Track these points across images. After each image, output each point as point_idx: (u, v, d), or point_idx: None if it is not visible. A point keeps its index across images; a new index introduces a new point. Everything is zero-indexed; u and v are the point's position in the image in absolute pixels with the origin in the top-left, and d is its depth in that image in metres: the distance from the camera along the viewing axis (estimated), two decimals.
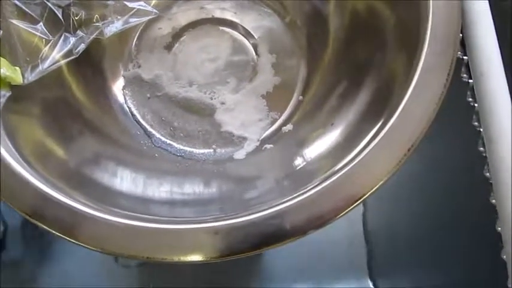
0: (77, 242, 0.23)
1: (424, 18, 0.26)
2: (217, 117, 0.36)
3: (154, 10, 0.30)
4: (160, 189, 0.30)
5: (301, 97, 0.36)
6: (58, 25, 0.30)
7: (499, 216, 0.23)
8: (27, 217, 0.24)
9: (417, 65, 0.25)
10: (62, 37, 0.30)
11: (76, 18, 0.30)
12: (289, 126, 0.34)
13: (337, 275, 0.46)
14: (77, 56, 0.30)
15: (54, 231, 0.23)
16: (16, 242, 0.42)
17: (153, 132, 0.36)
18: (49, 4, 0.29)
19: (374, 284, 0.46)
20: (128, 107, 0.36)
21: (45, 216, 0.24)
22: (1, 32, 0.28)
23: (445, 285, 0.38)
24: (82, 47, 0.30)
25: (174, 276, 0.45)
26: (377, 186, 0.23)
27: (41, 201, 0.24)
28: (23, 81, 0.29)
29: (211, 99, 0.36)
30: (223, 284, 0.46)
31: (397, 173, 0.24)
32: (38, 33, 0.29)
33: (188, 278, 0.45)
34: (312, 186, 0.24)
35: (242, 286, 0.46)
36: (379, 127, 0.25)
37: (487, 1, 0.28)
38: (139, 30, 0.38)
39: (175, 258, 0.22)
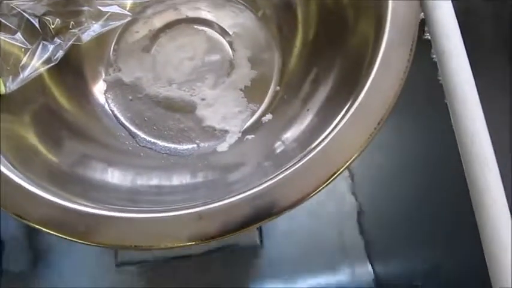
0: (63, 236, 0.24)
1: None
2: (199, 113, 0.37)
3: (129, 13, 0.31)
4: (149, 183, 0.31)
5: (278, 87, 0.37)
6: (36, 34, 0.31)
7: (471, 195, 0.24)
8: (18, 219, 0.25)
9: (381, 43, 0.26)
10: (41, 45, 0.31)
11: (53, 26, 0.31)
12: (268, 116, 0.35)
13: (334, 264, 0.47)
14: (56, 62, 0.31)
15: (49, 231, 0.24)
16: (13, 247, 0.42)
17: (137, 132, 0.37)
18: (25, 15, 0.30)
19: (373, 269, 0.47)
20: (110, 110, 0.37)
21: (38, 217, 0.25)
22: None
23: (439, 265, 0.39)
24: (60, 53, 0.31)
25: (171, 277, 0.46)
26: (350, 160, 0.25)
27: (36, 204, 0.25)
28: (5, 90, 0.29)
29: (192, 96, 0.37)
30: (221, 282, 0.47)
31: (368, 146, 0.25)
32: (17, 43, 0.30)
33: (186, 279, 0.46)
34: (291, 164, 0.25)
35: (242, 283, 0.47)
36: (349, 105, 0.26)
37: None
38: (117, 34, 0.39)
39: (162, 245, 0.23)
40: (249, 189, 0.24)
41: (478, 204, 0.23)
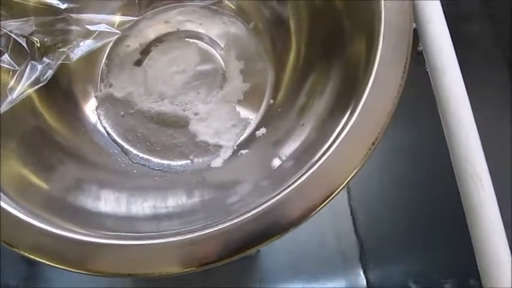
0: (54, 265, 0.23)
1: (378, 14, 0.27)
2: (192, 128, 0.36)
3: (117, 31, 0.31)
4: (144, 206, 0.30)
5: (271, 101, 0.37)
6: (24, 54, 0.31)
7: (465, 211, 0.24)
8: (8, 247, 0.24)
9: (374, 59, 0.26)
10: (29, 66, 0.31)
11: (41, 45, 0.31)
12: (262, 130, 0.35)
13: (330, 270, 0.47)
14: (46, 83, 0.31)
15: (39, 259, 0.24)
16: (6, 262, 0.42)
17: (130, 149, 0.36)
18: (12, 35, 0.29)
19: (366, 276, 0.47)
20: (102, 126, 0.37)
21: (28, 245, 0.24)
22: None
23: (433, 271, 0.39)
24: (50, 73, 0.31)
25: (169, 278, 0.46)
26: (345, 181, 0.24)
27: (26, 232, 0.25)
28: None
29: (184, 110, 0.37)
30: (217, 286, 0.47)
31: (364, 166, 0.25)
32: (5, 65, 0.29)
33: (183, 281, 0.46)
34: (287, 185, 0.24)
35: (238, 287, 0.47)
36: (345, 122, 0.26)
37: None
38: (108, 49, 0.39)
39: (157, 272, 0.23)
40: (246, 213, 0.24)
41: (473, 223, 0.23)
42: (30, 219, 0.25)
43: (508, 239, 0.23)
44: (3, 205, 0.25)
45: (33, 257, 0.24)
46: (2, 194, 0.26)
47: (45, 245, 0.24)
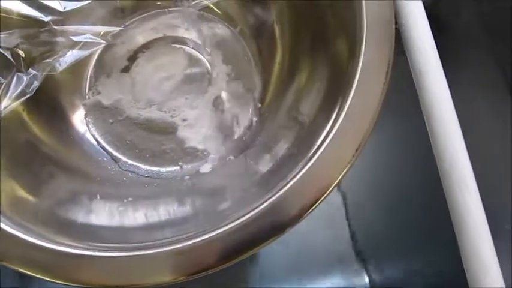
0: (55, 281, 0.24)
1: (359, 19, 0.27)
2: (180, 134, 0.36)
3: (102, 40, 0.31)
4: (135, 215, 0.30)
5: (259, 105, 0.37)
6: (9, 66, 0.31)
7: (451, 215, 0.24)
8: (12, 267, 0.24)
9: (357, 65, 0.26)
10: (15, 77, 0.31)
11: (26, 57, 0.31)
12: (249, 135, 0.35)
13: (328, 270, 0.48)
14: (32, 94, 0.31)
15: (35, 275, 0.24)
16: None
17: (119, 156, 0.36)
18: None
19: (366, 275, 0.47)
20: (91, 134, 0.37)
21: (23, 261, 0.24)
22: None
23: (434, 271, 0.40)
24: (36, 84, 0.31)
25: None
26: (335, 182, 0.25)
27: (19, 248, 0.25)
28: None
29: (172, 117, 0.37)
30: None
31: (349, 171, 0.25)
32: None
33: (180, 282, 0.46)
34: (277, 190, 0.25)
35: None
36: (331, 124, 0.26)
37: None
38: (95, 57, 0.39)
39: (148, 283, 0.23)
40: (238, 218, 0.24)
41: (459, 228, 0.23)
42: (18, 233, 0.25)
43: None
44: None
45: (21, 270, 0.24)
46: None
47: (33, 258, 0.24)
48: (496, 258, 0.23)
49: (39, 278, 0.24)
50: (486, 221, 0.23)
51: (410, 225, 0.42)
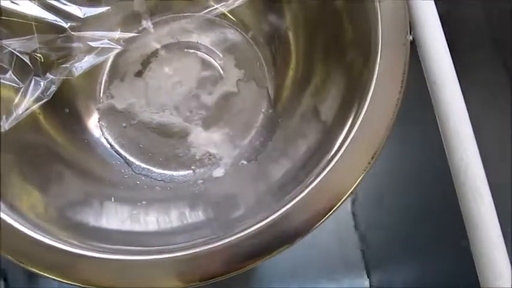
0: (65, 281, 0.24)
1: (374, 28, 0.27)
2: (193, 138, 0.37)
3: (119, 46, 0.31)
4: (147, 219, 0.31)
5: (270, 110, 0.37)
6: (27, 71, 0.31)
7: (465, 225, 0.24)
8: (19, 263, 0.25)
9: (372, 73, 0.27)
10: (33, 82, 0.31)
11: (44, 61, 0.31)
12: (261, 140, 0.36)
13: (332, 274, 0.48)
14: (49, 98, 0.31)
15: (45, 274, 0.25)
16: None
17: (132, 160, 0.37)
18: (16, 52, 0.30)
19: (369, 280, 0.48)
20: (105, 138, 0.37)
21: (36, 260, 0.25)
22: None
23: (437, 276, 0.40)
24: (53, 89, 0.31)
25: None
26: (348, 193, 0.25)
27: (31, 246, 0.25)
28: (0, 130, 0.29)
29: (185, 121, 0.37)
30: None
31: (365, 178, 0.25)
32: (9, 82, 0.30)
33: None
34: (290, 199, 0.25)
35: None
36: (346, 134, 0.26)
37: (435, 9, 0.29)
38: (109, 61, 0.39)
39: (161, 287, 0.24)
40: (250, 226, 0.24)
41: (473, 238, 0.23)
42: (31, 232, 0.25)
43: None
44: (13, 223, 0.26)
45: (33, 270, 0.25)
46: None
47: (44, 258, 0.25)
48: (509, 268, 0.23)
49: (47, 279, 0.24)
50: (501, 232, 0.24)
51: (418, 231, 0.42)
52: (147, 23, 0.34)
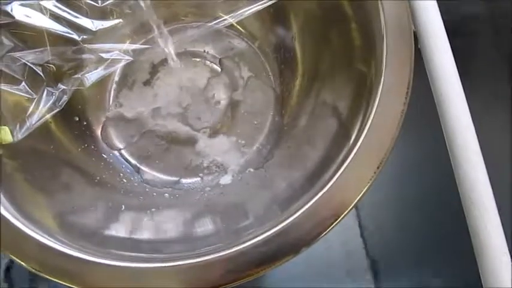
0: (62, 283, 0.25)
1: (379, 42, 0.28)
2: (201, 146, 0.37)
3: (129, 57, 0.32)
4: (157, 227, 0.31)
5: (277, 118, 0.38)
6: (39, 81, 0.32)
7: (472, 240, 0.25)
8: (30, 268, 0.25)
9: (378, 85, 0.27)
10: (45, 92, 0.32)
11: (56, 72, 0.32)
12: (268, 148, 0.36)
13: (338, 283, 0.48)
14: (61, 108, 0.32)
15: (56, 280, 0.25)
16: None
17: (141, 167, 0.37)
18: (29, 64, 0.30)
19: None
20: (115, 146, 0.38)
21: (47, 267, 0.25)
22: None
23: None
24: (65, 99, 0.32)
25: None
26: (354, 203, 0.25)
27: (41, 252, 0.26)
28: (13, 139, 0.30)
29: (193, 129, 0.38)
30: None
31: (370, 188, 0.26)
32: (22, 93, 0.30)
33: None
34: (296, 208, 0.26)
35: None
36: (352, 144, 0.27)
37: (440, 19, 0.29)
38: (118, 71, 0.40)
39: None
40: (257, 236, 0.25)
41: (480, 254, 0.24)
42: (38, 236, 0.26)
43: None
44: (24, 228, 0.26)
45: (40, 273, 0.25)
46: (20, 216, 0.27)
47: (52, 263, 0.25)
48: None
49: (49, 280, 0.25)
50: (506, 245, 0.24)
51: (424, 239, 0.42)
52: (156, 34, 0.35)
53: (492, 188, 0.26)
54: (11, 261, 0.43)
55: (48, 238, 0.26)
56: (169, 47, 0.36)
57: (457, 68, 0.28)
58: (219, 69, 0.40)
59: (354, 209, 0.47)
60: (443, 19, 0.29)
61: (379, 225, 0.48)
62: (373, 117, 0.26)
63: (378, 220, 0.48)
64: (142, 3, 0.32)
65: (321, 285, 0.47)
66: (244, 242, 0.25)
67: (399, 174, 0.45)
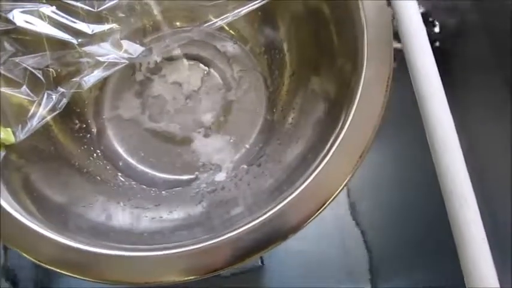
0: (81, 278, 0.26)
1: (361, 38, 0.30)
2: (196, 145, 0.39)
3: (125, 60, 0.34)
4: (151, 220, 0.33)
5: (268, 117, 0.39)
6: (40, 85, 0.33)
7: (452, 230, 0.26)
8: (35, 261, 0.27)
9: (359, 79, 0.29)
10: (45, 95, 0.33)
11: (55, 76, 0.33)
12: (260, 145, 0.38)
13: (337, 283, 0.49)
14: (61, 110, 0.34)
15: (66, 273, 0.27)
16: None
17: (139, 166, 0.39)
18: (30, 68, 0.32)
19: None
20: (113, 145, 0.39)
21: (55, 260, 0.27)
22: None
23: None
24: (64, 101, 0.34)
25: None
26: (338, 191, 0.27)
27: (49, 246, 0.27)
28: (15, 140, 0.32)
29: (188, 129, 0.40)
30: None
31: (353, 177, 0.27)
32: (23, 96, 0.32)
33: None
34: (284, 197, 0.27)
35: None
36: (336, 135, 0.28)
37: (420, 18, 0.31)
38: (115, 74, 0.41)
39: (169, 280, 0.26)
40: (248, 223, 0.26)
41: (459, 243, 0.25)
42: (52, 235, 0.27)
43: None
44: (28, 223, 0.28)
45: (50, 267, 0.26)
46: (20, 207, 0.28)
47: (61, 257, 0.27)
48: (494, 271, 0.25)
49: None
50: (485, 235, 0.25)
51: (423, 239, 0.43)
52: (151, 38, 0.36)
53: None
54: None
55: (51, 232, 0.27)
56: (163, 50, 0.38)
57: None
58: (212, 71, 0.41)
59: (353, 210, 0.49)
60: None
61: (378, 226, 0.49)
62: (355, 110, 0.28)
63: (377, 221, 0.49)
64: (138, 7, 0.33)
65: (321, 285, 0.48)
66: (237, 229, 0.26)
67: (399, 175, 0.45)
